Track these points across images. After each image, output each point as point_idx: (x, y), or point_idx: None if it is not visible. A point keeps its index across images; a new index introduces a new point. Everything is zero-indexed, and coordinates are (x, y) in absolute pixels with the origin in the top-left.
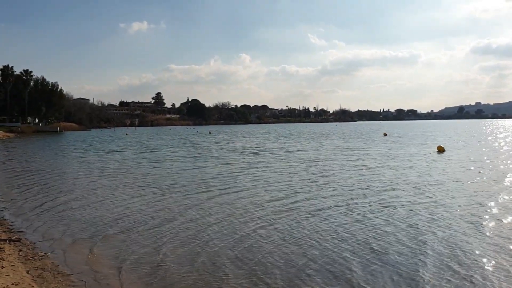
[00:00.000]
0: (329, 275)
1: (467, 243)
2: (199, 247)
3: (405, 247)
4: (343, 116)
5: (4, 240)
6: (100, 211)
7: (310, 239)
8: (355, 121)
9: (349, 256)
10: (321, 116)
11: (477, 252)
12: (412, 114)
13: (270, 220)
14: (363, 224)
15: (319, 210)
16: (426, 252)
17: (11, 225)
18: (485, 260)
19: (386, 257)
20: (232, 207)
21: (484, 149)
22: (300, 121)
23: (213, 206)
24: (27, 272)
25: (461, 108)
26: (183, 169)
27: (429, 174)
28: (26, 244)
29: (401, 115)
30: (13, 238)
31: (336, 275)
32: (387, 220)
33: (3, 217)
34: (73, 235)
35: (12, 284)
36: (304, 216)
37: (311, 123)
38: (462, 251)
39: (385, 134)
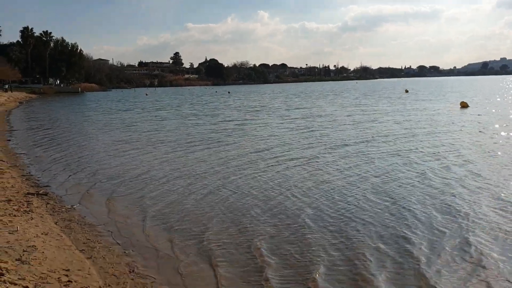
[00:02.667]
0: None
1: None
2: (215, 195)
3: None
4: (364, 73)
5: (32, 194)
6: (122, 165)
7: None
8: (376, 78)
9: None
10: (341, 74)
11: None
12: (434, 71)
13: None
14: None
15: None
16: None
17: (38, 180)
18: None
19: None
20: (247, 158)
21: (508, 105)
22: (320, 80)
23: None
24: (55, 223)
25: (485, 64)
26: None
27: (450, 127)
28: (53, 198)
29: (423, 72)
30: (40, 192)
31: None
32: (405, 164)
33: (29, 172)
34: (98, 188)
35: (42, 233)
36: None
37: (331, 82)
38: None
39: (407, 91)
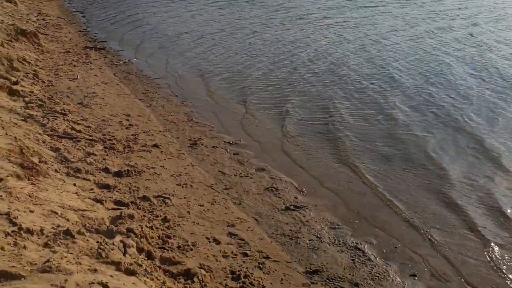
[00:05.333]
0: None
1: None
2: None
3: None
4: None
5: (90, 48)
6: (178, 27)
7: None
8: None
9: None
10: None
11: None
12: None
13: None
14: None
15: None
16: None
17: (95, 36)
18: None
19: None
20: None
21: None
22: None
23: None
24: (114, 75)
25: None
26: None
27: None
28: (110, 52)
29: None
30: (98, 46)
31: None
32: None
33: (86, 29)
34: (154, 46)
35: (102, 82)
36: None
37: None
38: None
39: None
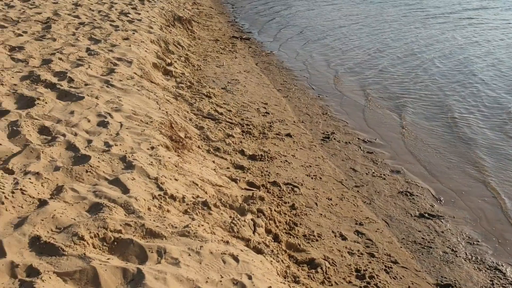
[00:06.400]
0: None
1: None
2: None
3: None
4: None
5: (236, 38)
6: (322, 21)
7: None
8: None
9: None
10: None
11: None
12: None
13: None
14: None
15: None
16: None
17: (241, 27)
18: None
19: None
20: None
21: None
22: None
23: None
24: (256, 64)
25: None
26: None
27: None
28: (254, 43)
29: None
30: (243, 36)
31: None
32: None
33: (234, 19)
34: (297, 40)
35: (244, 71)
36: None
37: None
38: None
39: None
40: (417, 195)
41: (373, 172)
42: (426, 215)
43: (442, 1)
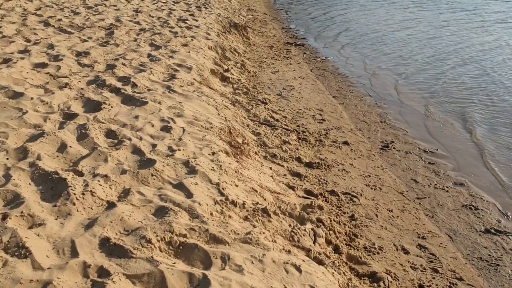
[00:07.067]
0: None
1: None
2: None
3: None
4: None
5: (291, 44)
6: (376, 26)
7: None
8: None
9: None
10: None
11: None
12: None
13: None
14: None
15: None
16: None
17: (296, 33)
18: None
19: None
20: None
21: None
22: None
23: None
24: (311, 71)
25: None
26: None
27: None
28: (309, 49)
29: None
30: (298, 43)
31: None
32: None
33: (288, 26)
34: (352, 46)
35: (299, 77)
36: None
37: None
38: None
39: None
40: (482, 209)
41: (435, 184)
42: (493, 230)
43: (502, 5)
